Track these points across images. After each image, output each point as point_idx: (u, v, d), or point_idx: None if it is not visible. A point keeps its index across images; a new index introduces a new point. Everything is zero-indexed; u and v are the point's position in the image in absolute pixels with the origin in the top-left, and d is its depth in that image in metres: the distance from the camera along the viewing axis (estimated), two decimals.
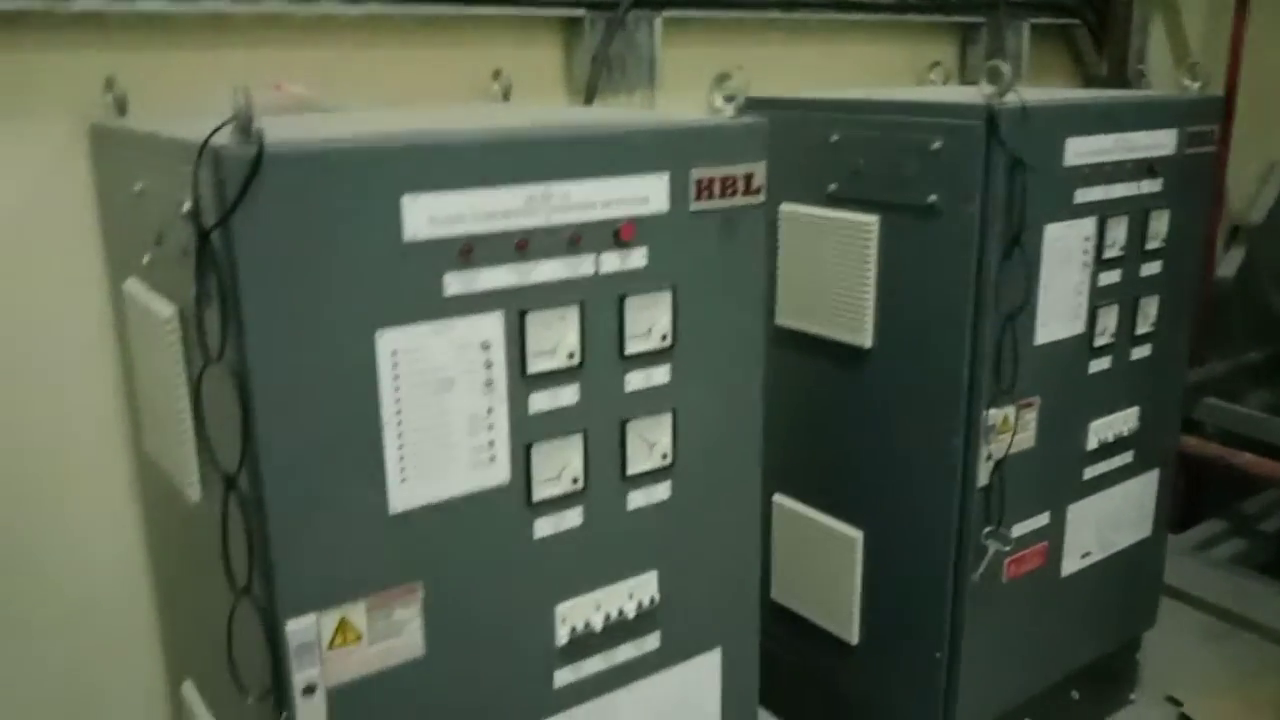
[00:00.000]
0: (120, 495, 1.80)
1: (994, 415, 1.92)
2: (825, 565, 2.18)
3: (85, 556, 1.79)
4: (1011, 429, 1.96)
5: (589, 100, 2.06)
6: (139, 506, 1.82)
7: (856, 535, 2.11)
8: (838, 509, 2.15)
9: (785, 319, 2.11)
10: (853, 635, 2.16)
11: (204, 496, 1.39)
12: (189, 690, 1.67)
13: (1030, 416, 2.00)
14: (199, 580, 1.51)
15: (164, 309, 1.34)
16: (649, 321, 1.45)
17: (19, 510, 1.72)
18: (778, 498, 2.23)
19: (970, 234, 1.83)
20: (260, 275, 1.15)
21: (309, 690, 1.27)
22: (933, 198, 1.86)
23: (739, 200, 1.50)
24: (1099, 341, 2.06)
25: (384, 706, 1.34)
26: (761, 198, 1.52)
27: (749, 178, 1.49)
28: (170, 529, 1.65)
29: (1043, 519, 2.10)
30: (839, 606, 2.17)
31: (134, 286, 1.48)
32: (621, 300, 1.42)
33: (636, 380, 1.46)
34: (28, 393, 1.69)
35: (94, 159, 1.65)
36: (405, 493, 1.30)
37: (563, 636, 1.48)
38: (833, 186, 2.01)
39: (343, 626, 1.29)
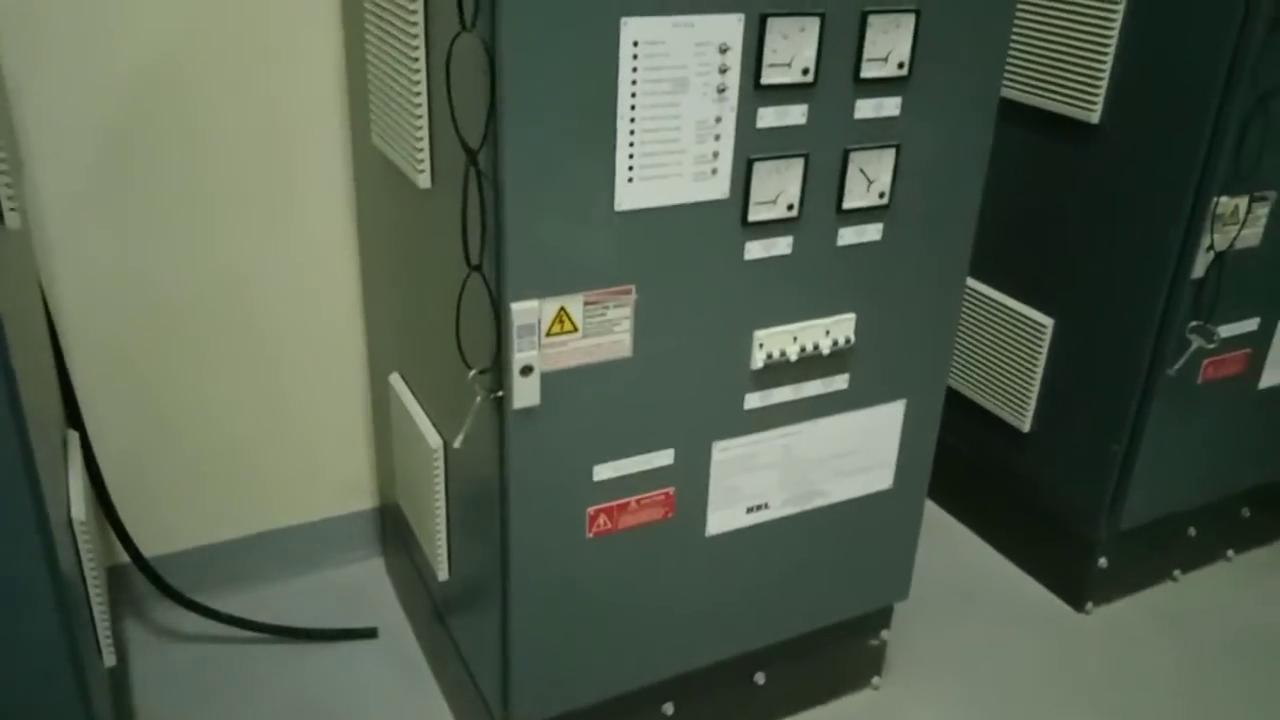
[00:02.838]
0: (342, 185, 1.90)
1: (1224, 204, 1.80)
2: (1008, 350, 2.14)
3: (312, 231, 1.93)
4: (1240, 222, 1.84)
5: None
6: (351, 209, 1.91)
7: (1048, 322, 2.05)
8: (1030, 294, 2.09)
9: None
10: (1025, 423, 2.14)
11: (434, 185, 1.44)
12: (395, 380, 1.79)
13: (1262, 212, 1.87)
14: (421, 269, 1.59)
15: None
16: (889, 45, 1.38)
17: (268, 178, 1.86)
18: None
19: None
20: None
21: (526, 370, 1.34)
22: None
23: None
24: None
25: (589, 400, 1.40)
26: None
27: None
28: (390, 223, 1.72)
29: (1251, 324, 1.99)
30: (1017, 393, 2.14)
31: None
32: (864, 18, 1.35)
33: (866, 109, 1.42)
34: (269, 76, 1.78)
35: None
36: (631, 192, 1.31)
37: (758, 361, 1.50)
38: None
39: (561, 316, 1.34)
